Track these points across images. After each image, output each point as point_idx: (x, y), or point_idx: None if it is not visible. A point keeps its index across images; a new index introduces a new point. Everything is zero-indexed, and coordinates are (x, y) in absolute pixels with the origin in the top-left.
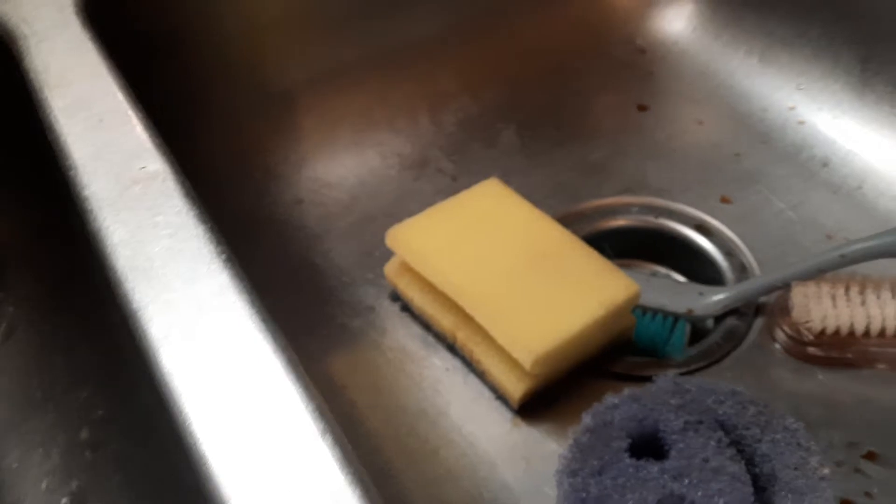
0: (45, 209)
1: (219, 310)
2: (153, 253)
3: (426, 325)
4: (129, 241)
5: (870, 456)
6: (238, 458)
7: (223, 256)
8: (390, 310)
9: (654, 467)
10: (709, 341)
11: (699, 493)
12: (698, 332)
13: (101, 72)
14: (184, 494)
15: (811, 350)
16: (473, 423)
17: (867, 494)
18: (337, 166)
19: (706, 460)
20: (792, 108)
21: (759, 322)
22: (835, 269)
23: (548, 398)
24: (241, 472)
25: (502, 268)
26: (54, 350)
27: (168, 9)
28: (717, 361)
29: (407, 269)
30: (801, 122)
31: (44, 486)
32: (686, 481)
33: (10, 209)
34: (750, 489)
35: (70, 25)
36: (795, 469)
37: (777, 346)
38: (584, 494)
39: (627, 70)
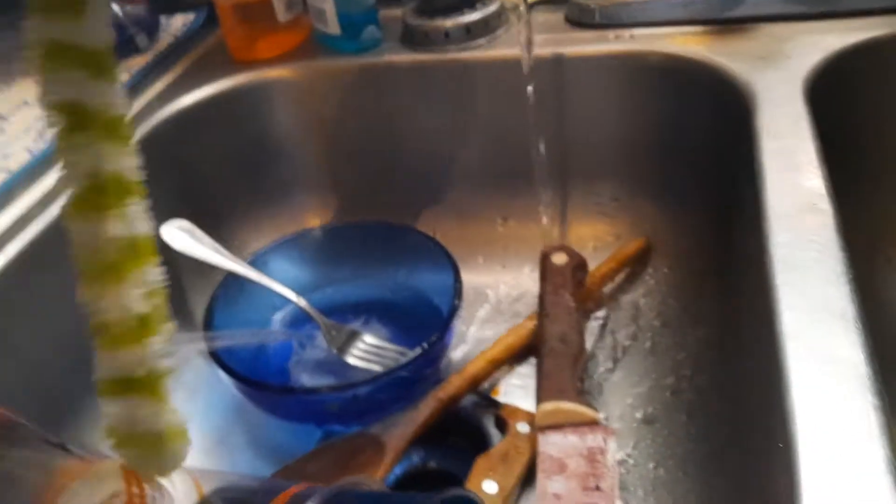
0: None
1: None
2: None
3: None
4: (784, 248)
5: None
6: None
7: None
8: None
9: None
10: None
11: None
12: None
13: (805, 135)
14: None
15: None
16: None
17: None
18: None
19: None
20: None
21: None
22: None
23: None
24: None
25: None
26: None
27: (880, 118)
28: None
29: None
30: None
31: (629, 401)
32: None
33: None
34: None
35: (796, 100)
36: None
37: None
38: None
39: None
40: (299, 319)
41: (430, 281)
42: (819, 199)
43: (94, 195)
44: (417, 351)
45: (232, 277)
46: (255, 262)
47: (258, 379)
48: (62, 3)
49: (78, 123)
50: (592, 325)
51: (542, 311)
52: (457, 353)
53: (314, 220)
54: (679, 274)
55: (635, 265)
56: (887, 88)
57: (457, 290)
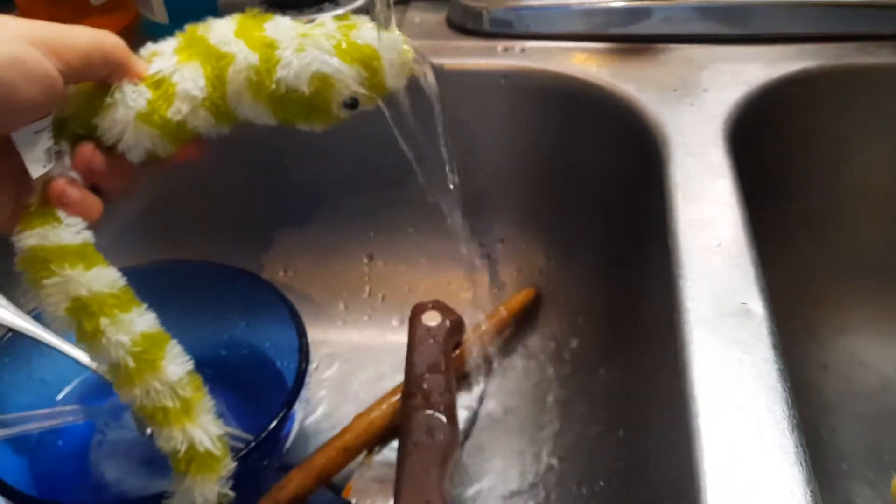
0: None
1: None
2: (727, 389)
3: None
4: (709, 369)
5: None
6: None
7: (794, 421)
8: None
9: None
10: None
11: None
12: None
13: (729, 200)
14: None
15: None
16: None
17: None
18: (877, 348)
19: None
20: None
21: None
22: None
23: None
24: None
25: None
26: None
27: (803, 146)
28: None
29: None
30: None
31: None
32: None
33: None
34: None
35: (715, 148)
36: None
37: None
38: None
39: None
40: (102, 389)
41: (272, 336)
42: (750, 297)
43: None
44: (252, 439)
45: (11, 336)
46: (41, 316)
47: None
48: None
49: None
50: (468, 397)
51: (408, 388)
52: (305, 430)
53: (126, 259)
54: (573, 333)
55: (522, 320)
56: (812, 130)
57: (303, 353)
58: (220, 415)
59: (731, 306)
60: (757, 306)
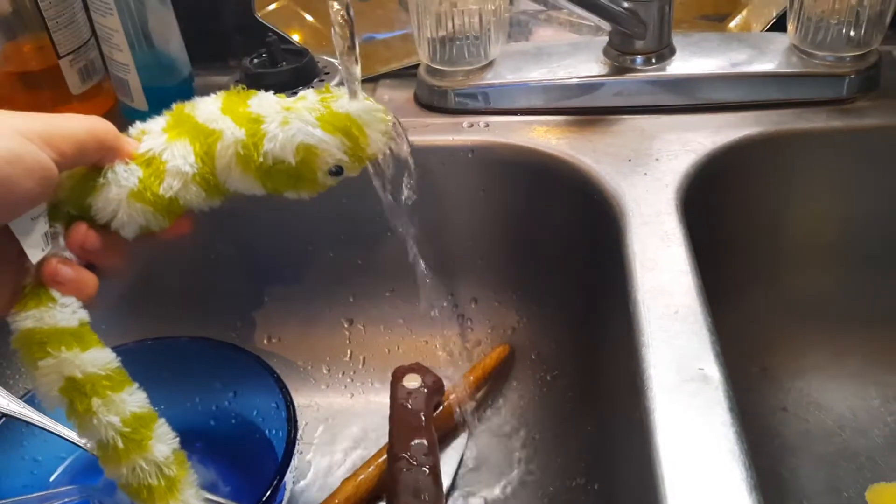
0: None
1: None
2: (689, 453)
3: None
4: (672, 434)
5: None
6: None
7: (752, 482)
8: None
9: None
10: None
11: None
12: None
13: (684, 267)
14: None
15: None
16: None
17: None
18: (832, 389)
19: None
20: None
21: None
22: None
23: None
24: None
25: None
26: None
27: (750, 208)
28: None
29: None
30: None
31: None
32: None
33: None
34: None
35: (669, 216)
36: None
37: None
38: None
39: None
40: (95, 466)
41: (259, 405)
42: (707, 362)
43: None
44: None
45: (5, 421)
46: (33, 399)
47: None
48: None
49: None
50: (450, 455)
51: (393, 451)
52: (295, 494)
53: (107, 337)
54: (545, 385)
55: (497, 376)
56: (756, 192)
57: (291, 422)
58: (212, 484)
59: (690, 371)
60: (713, 371)
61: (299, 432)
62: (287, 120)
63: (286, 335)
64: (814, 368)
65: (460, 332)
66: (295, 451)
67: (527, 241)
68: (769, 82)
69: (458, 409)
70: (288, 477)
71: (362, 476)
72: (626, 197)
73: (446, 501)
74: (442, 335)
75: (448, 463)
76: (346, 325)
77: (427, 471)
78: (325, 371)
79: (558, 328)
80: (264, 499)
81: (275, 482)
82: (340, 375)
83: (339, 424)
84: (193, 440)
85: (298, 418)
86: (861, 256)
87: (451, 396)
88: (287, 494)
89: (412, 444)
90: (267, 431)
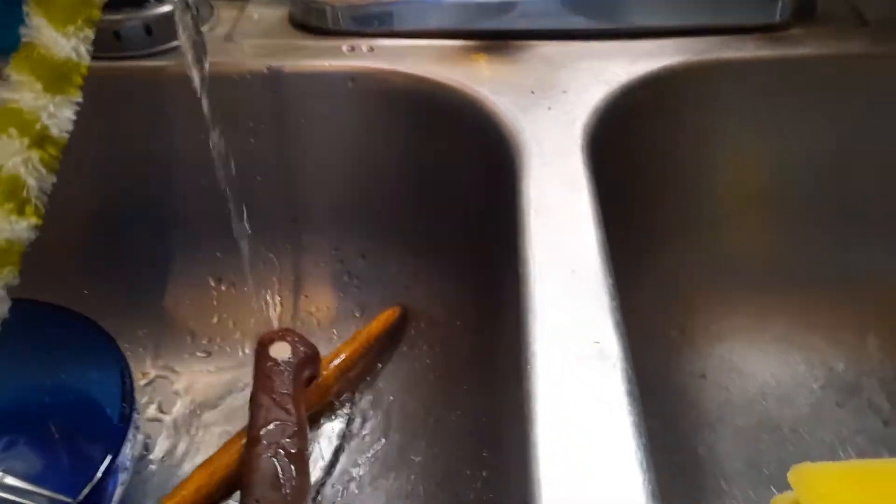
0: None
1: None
2: (574, 453)
3: None
4: (554, 424)
5: None
6: None
7: (650, 487)
8: None
9: None
10: None
11: None
12: None
13: (587, 218)
14: None
15: None
16: None
17: None
18: (754, 354)
19: None
20: None
21: None
22: None
23: None
24: None
25: None
26: None
27: (668, 150)
28: None
29: None
30: None
31: None
32: None
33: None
34: None
35: (573, 156)
36: None
37: None
38: None
39: None
40: None
41: (96, 380)
42: (601, 321)
43: None
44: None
45: None
46: None
47: None
48: None
49: None
50: (329, 429)
51: (252, 433)
52: (142, 481)
53: None
54: (440, 353)
55: (387, 341)
56: (676, 131)
57: (126, 398)
58: (42, 470)
59: (584, 346)
60: (611, 344)
61: (153, 407)
62: None
63: (141, 296)
64: (735, 332)
65: (344, 294)
66: (135, 433)
67: (418, 187)
68: (693, 5)
69: (336, 383)
70: (127, 464)
71: (218, 462)
72: (526, 133)
73: (319, 491)
74: (322, 299)
75: (322, 447)
76: (213, 285)
77: (290, 457)
78: (188, 340)
79: (455, 287)
80: (94, 483)
81: (106, 464)
82: (205, 342)
83: (200, 400)
84: (19, 424)
85: (153, 392)
86: (792, 206)
87: (330, 367)
88: (122, 485)
89: (273, 424)
90: (108, 410)
